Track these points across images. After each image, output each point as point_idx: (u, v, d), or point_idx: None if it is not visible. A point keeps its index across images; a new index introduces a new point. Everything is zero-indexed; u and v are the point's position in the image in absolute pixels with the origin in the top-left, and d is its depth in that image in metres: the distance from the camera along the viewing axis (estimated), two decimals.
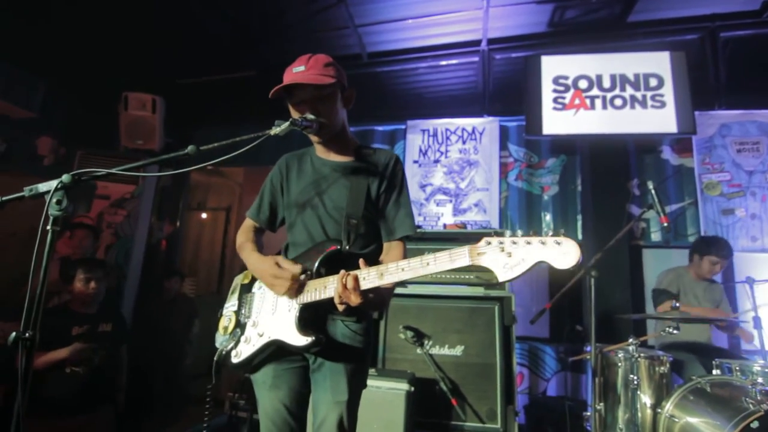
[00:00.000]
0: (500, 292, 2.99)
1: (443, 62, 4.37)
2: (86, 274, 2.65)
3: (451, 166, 4.29)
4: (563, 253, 0.94)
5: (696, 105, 3.69)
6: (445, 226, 3.73)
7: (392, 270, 1.17)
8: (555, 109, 3.85)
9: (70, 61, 4.12)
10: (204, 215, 6.11)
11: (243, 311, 1.49)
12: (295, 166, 1.58)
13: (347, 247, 1.38)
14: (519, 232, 1.01)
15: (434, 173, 4.31)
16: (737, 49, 4.01)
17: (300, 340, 1.31)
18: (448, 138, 4.35)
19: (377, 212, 1.48)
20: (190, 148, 1.13)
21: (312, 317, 1.37)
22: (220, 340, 1.48)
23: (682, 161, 3.96)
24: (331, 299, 1.26)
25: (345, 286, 1.20)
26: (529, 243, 0.97)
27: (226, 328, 1.49)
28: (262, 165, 4.60)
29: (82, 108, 4.43)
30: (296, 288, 1.35)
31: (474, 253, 1.03)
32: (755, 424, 1.83)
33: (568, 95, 3.85)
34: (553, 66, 3.93)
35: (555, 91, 3.88)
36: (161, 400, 3.70)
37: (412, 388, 2.53)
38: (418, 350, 2.94)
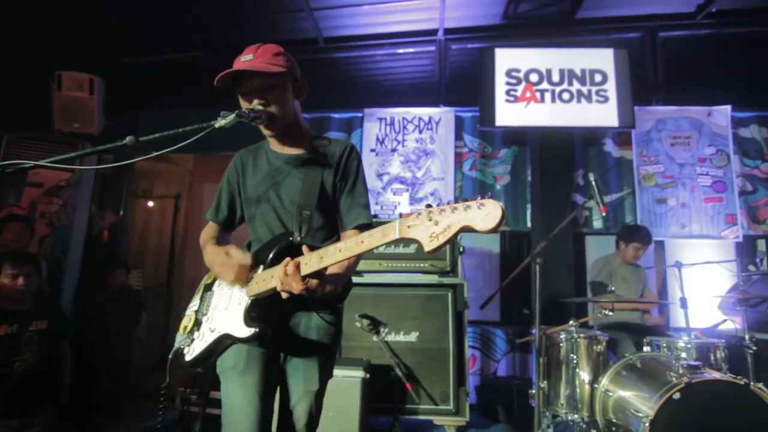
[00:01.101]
0: (453, 280, 3.09)
1: (400, 50, 4.36)
2: (13, 270, 2.45)
3: (408, 155, 4.32)
4: (486, 214, 0.93)
5: (636, 100, 3.93)
6: (401, 215, 3.76)
7: (331, 252, 1.16)
8: (507, 101, 3.96)
9: None
10: (150, 203, 5.80)
11: (202, 309, 1.48)
12: (251, 162, 1.55)
13: (299, 239, 1.36)
14: (450, 201, 1.00)
15: (391, 162, 4.33)
16: (674, 48, 4.29)
17: (244, 331, 1.30)
18: (405, 127, 4.37)
19: (334, 204, 1.48)
20: (128, 139, 1.05)
21: (269, 311, 1.35)
22: (179, 339, 1.47)
23: (622, 153, 4.22)
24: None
25: (286, 273, 1.19)
26: (455, 209, 0.97)
27: (185, 328, 1.47)
28: (212, 152, 4.47)
29: (10, 88, 4.03)
30: (246, 277, 1.35)
31: (404, 226, 1.03)
32: (677, 396, 2.02)
33: (520, 88, 3.97)
34: (506, 59, 4.03)
35: (508, 83, 3.99)
36: (108, 396, 3.54)
37: (368, 375, 2.58)
38: (374, 338, 2.98)
